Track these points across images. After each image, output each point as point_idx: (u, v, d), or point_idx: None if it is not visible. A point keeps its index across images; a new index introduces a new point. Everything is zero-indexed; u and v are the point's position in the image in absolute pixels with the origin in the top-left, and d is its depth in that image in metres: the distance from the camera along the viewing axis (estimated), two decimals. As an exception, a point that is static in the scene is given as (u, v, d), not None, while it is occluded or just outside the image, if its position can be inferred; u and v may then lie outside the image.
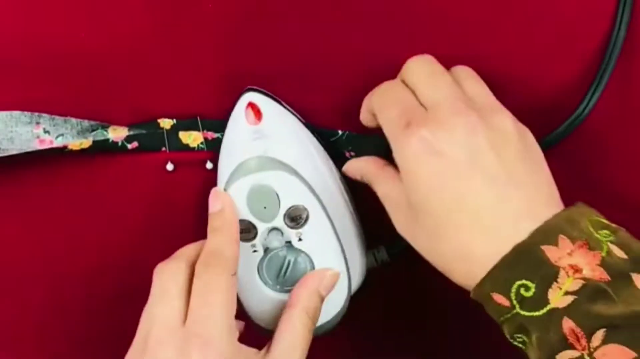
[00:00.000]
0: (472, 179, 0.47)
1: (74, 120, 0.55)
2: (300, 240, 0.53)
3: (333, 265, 0.54)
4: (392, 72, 0.53)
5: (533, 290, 0.45)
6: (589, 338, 0.43)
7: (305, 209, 0.53)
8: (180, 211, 0.57)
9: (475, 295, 0.47)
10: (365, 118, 0.54)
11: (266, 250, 0.53)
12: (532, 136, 0.50)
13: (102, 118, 0.56)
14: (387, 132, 0.50)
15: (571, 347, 0.44)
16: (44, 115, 0.54)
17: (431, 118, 0.48)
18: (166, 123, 0.56)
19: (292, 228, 0.53)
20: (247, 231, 0.53)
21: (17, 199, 0.57)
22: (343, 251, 0.54)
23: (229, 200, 0.52)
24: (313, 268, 0.54)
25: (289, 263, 0.54)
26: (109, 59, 0.54)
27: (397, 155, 0.49)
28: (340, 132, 0.56)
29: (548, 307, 0.44)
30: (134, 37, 0.54)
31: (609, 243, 0.45)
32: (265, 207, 0.52)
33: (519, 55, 0.54)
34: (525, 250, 0.45)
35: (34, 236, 0.57)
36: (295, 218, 0.53)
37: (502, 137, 0.48)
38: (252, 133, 0.53)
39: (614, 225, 0.47)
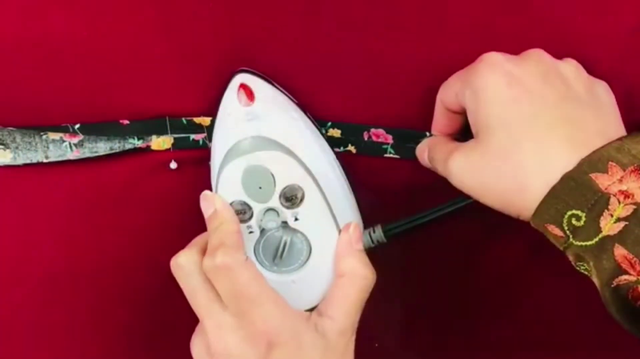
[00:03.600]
0: (545, 95, 0.48)
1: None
2: (296, 219, 0.53)
3: (329, 244, 0.54)
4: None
5: (584, 219, 0.44)
6: None
7: (301, 189, 0.52)
8: (184, 210, 0.56)
9: (534, 224, 0.47)
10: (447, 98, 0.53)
11: (262, 231, 0.53)
12: (606, 89, 0.51)
13: (103, 115, 0.55)
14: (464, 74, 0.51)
15: (626, 273, 0.44)
16: None
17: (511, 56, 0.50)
18: (206, 120, 0.56)
19: (287, 208, 0.53)
20: (243, 212, 0.52)
21: (17, 197, 0.57)
22: (339, 230, 0.54)
23: (219, 198, 0.52)
24: (309, 247, 0.53)
25: (285, 244, 0.53)
26: (111, 56, 0.54)
27: (472, 80, 0.49)
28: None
29: (600, 236, 0.44)
30: (136, 35, 0.54)
31: None
32: (260, 187, 0.52)
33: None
34: (573, 179, 0.45)
35: (34, 235, 0.57)
36: (291, 198, 0.52)
37: (573, 72, 0.49)
38: (245, 114, 0.53)
39: None
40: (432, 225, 0.55)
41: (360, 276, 0.52)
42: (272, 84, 0.54)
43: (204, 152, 0.56)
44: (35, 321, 0.59)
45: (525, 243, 0.59)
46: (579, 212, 0.44)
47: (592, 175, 0.44)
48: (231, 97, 0.54)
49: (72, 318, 0.59)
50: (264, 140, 0.52)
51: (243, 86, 0.53)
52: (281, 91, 0.55)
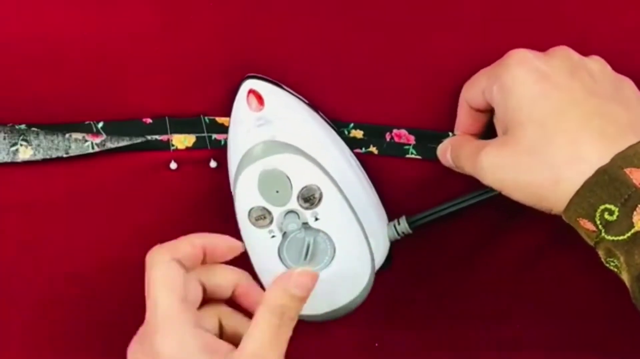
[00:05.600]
0: (574, 90, 0.48)
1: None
2: (316, 219, 0.53)
3: (352, 240, 0.54)
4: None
5: (617, 213, 0.44)
6: None
7: (318, 188, 0.52)
8: (184, 210, 0.57)
9: (566, 218, 0.47)
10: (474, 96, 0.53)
11: (284, 234, 0.53)
12: (631, 86, 0.51)
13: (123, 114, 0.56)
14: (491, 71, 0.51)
15: None
16: None
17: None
18: (228, 121, 0.56)
19: (307, 208, 0.53)
20: (263, 217, 0.53)
21: (17, 197, 0.57)
22: (361, 226, 0.54)
23: None
24: (333, 246, 0.54)
25: (309, 245, 0.53)
26: (112, 55, 0.54)
27: (500, 75, 0.49)
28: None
29: (632, 231, 0.44)
30: (138, 34, 0.54)
31: None
32: (277, 191, 0.52)
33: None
34: (607, 173, 0.45)
35: (34, 234, 0.57)
36: (309, 198, 0.52)
37: (600, 68, 0.50)
38: (256, 120, 0.53)
39: None
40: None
41: (276, 314, 0.45)
42: (281, 87, 0.54)
43: (204, 153, 0.56)
44: (35, 321, 0.59)
45: (530, 243, 0.59)
46: (611, 206, 0.44)
47: (627, 170, 0.44)
48: (241, 103, 0.54)
49: (72, 317, 0.59)
50: (276, 144, 0.52)
51: (252, 92, 0.54)
52: (291, 93, 0.54)
